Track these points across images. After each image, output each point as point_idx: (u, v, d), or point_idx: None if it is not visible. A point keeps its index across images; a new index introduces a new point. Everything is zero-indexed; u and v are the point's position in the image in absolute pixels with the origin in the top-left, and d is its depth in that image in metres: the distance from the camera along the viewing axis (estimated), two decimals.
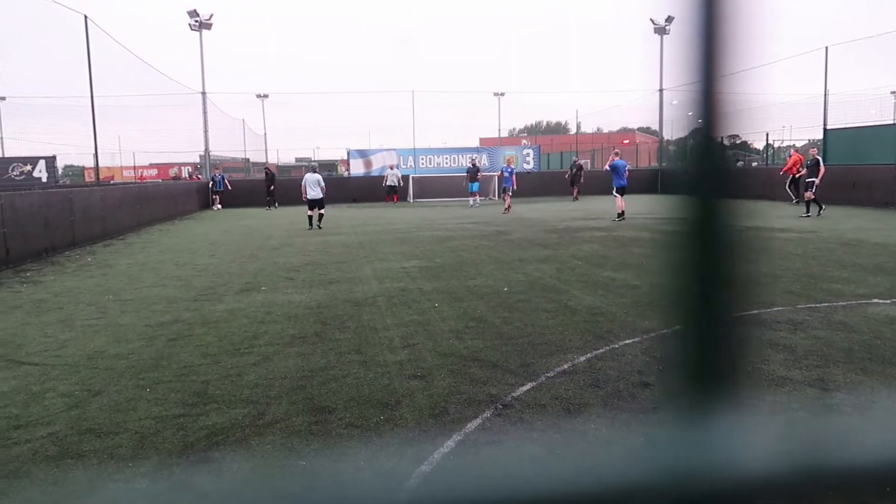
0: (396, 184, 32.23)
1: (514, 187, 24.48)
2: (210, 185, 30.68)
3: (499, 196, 29.68)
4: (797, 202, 21.53)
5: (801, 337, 6.04)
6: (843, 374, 5.04)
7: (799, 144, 40.55)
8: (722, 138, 0.55)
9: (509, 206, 23.54)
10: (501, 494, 0.45)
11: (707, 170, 0.54)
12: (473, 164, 28.36)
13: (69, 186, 23.45)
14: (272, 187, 29.64)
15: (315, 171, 18.97)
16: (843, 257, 10.70)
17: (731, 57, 0.53)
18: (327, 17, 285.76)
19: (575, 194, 31.26)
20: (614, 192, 19.25)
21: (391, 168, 32.66)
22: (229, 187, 31.17)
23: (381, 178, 32.71)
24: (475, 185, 27.39)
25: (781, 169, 23.09)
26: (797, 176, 21.10)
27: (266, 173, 31.23)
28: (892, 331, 6.18)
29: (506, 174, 24.41)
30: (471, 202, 27.26)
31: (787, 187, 22.45)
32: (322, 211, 18.60)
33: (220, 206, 30.27)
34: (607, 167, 19.77)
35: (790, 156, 24.77)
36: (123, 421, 4.44)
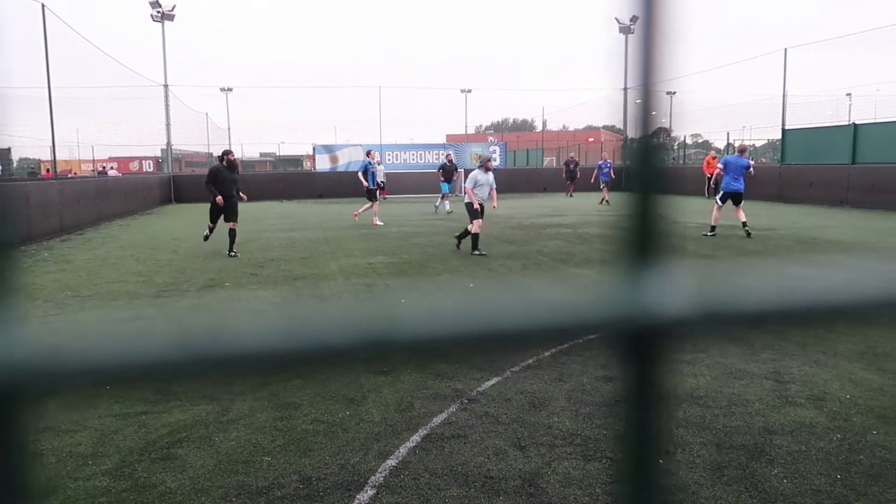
0: (383, 179, 26.08)
1: (613, 177, 25.09)
2: (364, 180, 18.65)
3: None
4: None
5: (757, 332, 6.19)
6: (798, 366, 5.23)
7: (759, 144, 41.44)
8: (659, 137, 0.57)
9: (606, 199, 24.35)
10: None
11: (648, 168, 0.57)
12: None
13: (26, 180, 22.83)
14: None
15: (487, 170, 11.64)
16: (800, 255, 11.00)
17: (674, 58, 0.56)
18: (293, 12, 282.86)
19: (570, 191, 30.59)
20: (718, 199, 13.85)
21: (378, 164, 29.10)
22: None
23: (350, 173, 31.53)
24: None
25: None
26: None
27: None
28: (844, 325, 6.38)
29: (605, 168, 25.06)
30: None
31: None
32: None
33: (376, 221, 17.86)
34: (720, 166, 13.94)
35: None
36: (83, 419, 4.36)
